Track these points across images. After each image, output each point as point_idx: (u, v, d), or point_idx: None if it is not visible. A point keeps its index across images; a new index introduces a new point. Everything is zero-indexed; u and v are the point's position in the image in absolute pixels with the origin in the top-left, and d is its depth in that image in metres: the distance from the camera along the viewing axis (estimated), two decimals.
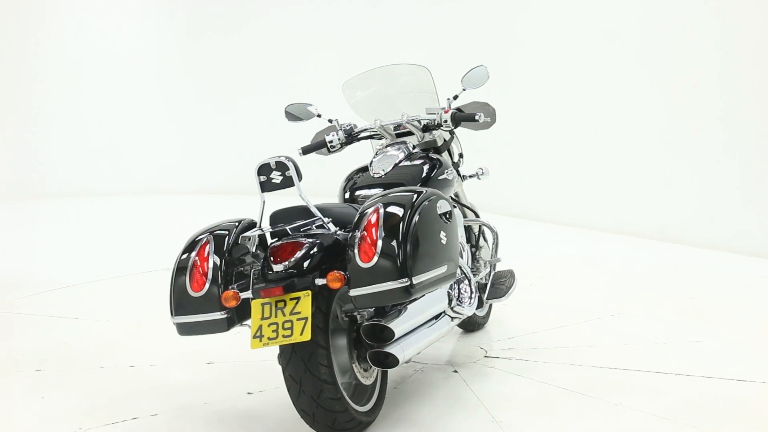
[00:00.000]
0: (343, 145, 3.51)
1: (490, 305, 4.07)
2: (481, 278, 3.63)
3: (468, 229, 3.73)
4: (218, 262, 2.67)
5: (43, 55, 11.15)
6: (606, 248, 6.53)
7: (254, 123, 11.02)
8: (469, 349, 3.69)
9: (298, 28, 10.72)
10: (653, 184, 6.95)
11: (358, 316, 2.73)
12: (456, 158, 3.70)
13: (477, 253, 3.78)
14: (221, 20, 11.32)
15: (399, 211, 2.61)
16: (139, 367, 3.62)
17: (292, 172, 2.63)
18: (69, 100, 11.20)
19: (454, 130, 3.63)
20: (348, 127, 3.50)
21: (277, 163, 2.66)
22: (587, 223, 7.46)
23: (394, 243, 2.53)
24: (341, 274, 2.53)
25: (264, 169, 2.68)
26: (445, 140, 3.59)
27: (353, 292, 2.53)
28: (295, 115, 3.58)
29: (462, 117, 3.39)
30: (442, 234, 2.73)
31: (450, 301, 3.03)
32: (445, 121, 3.42)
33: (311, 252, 2.60)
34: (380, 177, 3.27)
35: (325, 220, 2.68)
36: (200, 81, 11.48)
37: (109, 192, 10.98)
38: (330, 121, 3.53)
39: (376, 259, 2.52)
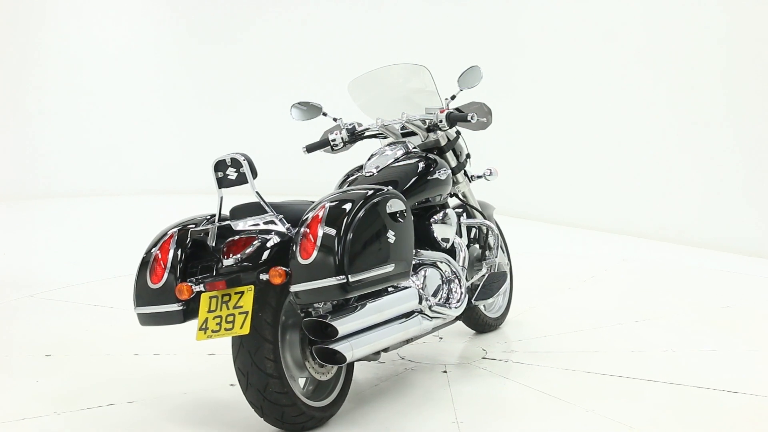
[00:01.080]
0: (346, 144, 3.53)
1: (507, 306, 4.06)
2: (477, 280, 3.62)
3: (470, 230, 3.73)
4: (179, 256, 2.75)
5: (44, 56, 11.14)
6: (641, 251, 6.33)
7: (254, 123, 11.02)
8: (470, 350, 3.70)
9: (298, 29, 10.72)
10: (662, 184, 6.94)
11: (313, 312, 2.75)
12: (462, 159, 3.70)
13: (488, 255, 3.78)
14: (222, 21, 11.31)
15: (342, 209, 2.66)
16: (142, 356, 3.73)
17: (245, 169, 2.67)
18: (69, 100, 11.19)
19: (460, 131, 3.64)
20: (351, 127, 3.53)
21: (231, 159, 2.70)
22: (590, 224, 7.45)
23: (332, 240, 2.58)
24: (283, 269, 2.58)
25: (220, 166, 2.73)
26: (449, 140, 3.59)
27: (293, 288, 2.58)
28: (301, 113, 3.60)
29: (456, 117, 3.41)
30: (390, 233, 2.75)
31: (421, 299, 3.02)
32: (441, 121, 3.44)
33: (258, 248, 2.67)
34: (371, 176, 3.32)
35: (278, 216, 2.71)
36: (201, 81, 11.48)
37: (109, 192, 10.97)
38: (335, 119, 3.55)
39: (314, 255, 2.57)
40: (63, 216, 9.37)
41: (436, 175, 3.39)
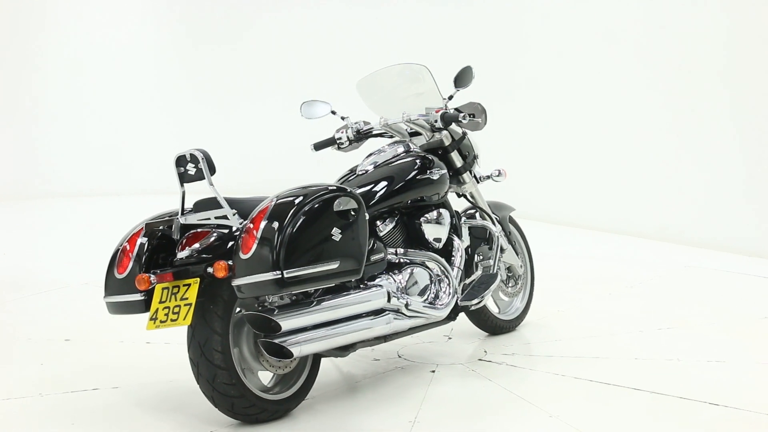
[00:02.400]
0: (352, 142, 3.57)
1: (525, 309, 4.01)
2: (472, 281, 3.61)
3: (472, 231, 3.71)
4: (144, 247, 2.84)
5: (44, 56, 11.15)
6: (701, 260, 6.00)
7: (254, 123, 11.02)
8: (471, 351, 3.69)
9: (297, 30, 10.72)
10: (662, 184, 6.94)
11: (268, 305, 2.79)
12: (470, 159, 3.69)
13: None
14: (221, 22, 11.32)
15: (287, 205, 2.70)
16: (153, 344, 3.87)
17: (202, 165, 2.73)
18: (69, 101, 11.20)
19: (467, 131, 3.64)
20: (356, 126, 3.56)
21: (190, 155, 2.77)
22: (590, 224, 7.45)
23: (270, 236, 2.62)
24: (226, 263, 2.64)
25: (181, 161, 2.80)
26: (454, 140, 3.60)
27: (234, 282, 2.63)
28: (310, 111, 3.63)
29: (450, 117, 3.44)
30: (336, 231, 2.76)
31: (389, 297, 3.02)
32: (436, 121, 3.46)
33: (208, 242, 2.76)
34: (363, 174, 3.37)
35: (231, 211, 2.74)
36: (200, 81, 11.48)
37: (109, 192, 10.97)
38: (342, 118, 3.58)
39: (253, 250, 2.61)
40: (63, 216, 9.37)
41: (427, 175, 3.40)
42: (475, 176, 3.74)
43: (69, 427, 2.89)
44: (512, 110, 7.89)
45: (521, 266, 3.97)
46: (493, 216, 3.77)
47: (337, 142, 3.56)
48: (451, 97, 3.52)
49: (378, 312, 3.01)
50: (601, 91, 7.43)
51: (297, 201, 2.72)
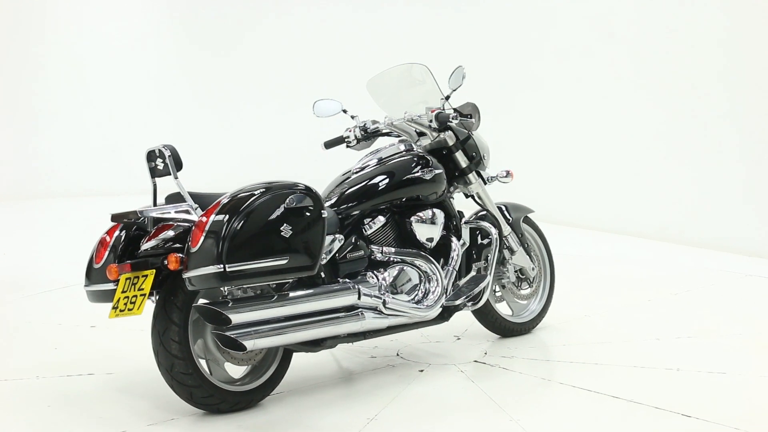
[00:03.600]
0: (360, 141, 3.61)
1: (541, 312, 3.96)
2: (464, 282, 3.60)
3: (471, 232, 3.69)
4: (120, 238, 2.94)
5: (44, 56, 11.15)
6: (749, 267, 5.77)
7: (253, 124, 11.02)
8: (472, 352, 3.67)
9: (298, 32, 10.72)
10: (662, 184, 6.94)
11: (224, 297, 2.87)
12: (476, 160, 3.67)
13: (509, 258, 3.76)
14: (221, 24, 11.33)
15: (238, 201, 2.76)
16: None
17: (167, 160, 2.83)
18: (69, 101, 11.20)
19: (472, 132, 3.64)
20: (363, 125, 3.60)
21: (159, 150, 2.86)
22: (590, 224, 7.45)
23: (216, 230, 2.68)
24: (178, 256, 2.71)
25: (151, 156, 2.90)
26: (458, 139, 3.60)
27: (184, 274, 2.70)
28: (322, 109, 3.67)
29: (444, 117, 3.46)
30: (286, 227, 2.79)
31: (360, 295, 3.04)
32: (431, 121, 3.48)
33: (169, 235, 2.84)
34: (357, 173, 3.42)
35: (194, 206, 2.83)
36: (200, 82, 11.49)
37: (109, 192, 10.97)
38: (352, 117, 3.63)
39: (200, 243, 2.67)
40: (63, 216, 9.36)
41: (418, 174, 3.42)
42: (482, 177, 3.72)
43: (44, 409, 3.04)
44: (512, 111, 7.89)
45: (533, 268, 3.89)
46: (499, 217, 3.74)
47: (346, 140, 3.61)
48: (447, 98, 3.53)
49: (350, 309, 3.03)
50: (601, 92, 7.43)
51: (249, 196, 2.78)
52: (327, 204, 3.32)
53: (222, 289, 2.86)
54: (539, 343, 3.81)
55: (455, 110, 3.52)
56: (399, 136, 3.64)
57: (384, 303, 3.13)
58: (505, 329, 3.84)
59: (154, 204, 2.94)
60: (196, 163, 11.56)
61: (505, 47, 8.18)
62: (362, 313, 3.05)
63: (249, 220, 2.73)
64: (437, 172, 3.48)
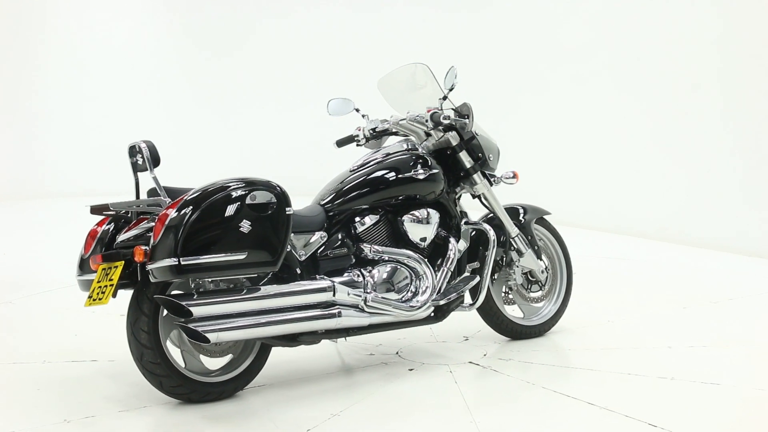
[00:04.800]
0: (369, 140, 3.64)
1: (555, 315, 3.91)
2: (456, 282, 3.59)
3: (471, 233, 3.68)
4: (108, 231, 3.04)
5: (44, 56, 11.15)
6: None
7: (254, 124, 11.02)
8: (472, 353, 3.67)
9: (298, 32, 10.72)
10: (663, 184, 6.93)
11: (191, 290, 2.95)
12: (481, 161, 3.66)
13: (517, 260, 3.73)
14: (221, 25, 11.34)
15: (200, 196, 2.85)
16: None
17: (145, 156, 2.96)
18: (69, 101, 11.20)
19: (477, 132, 3.64)
20: (373, 124, 3.63)
21: (138, 146, 2.99)
22: (589, 224, 7.45)
23: (174, 224, 2.76)
24: (142, 249, 2.79)
25: (132, 152, 3.02)
26: (462, 140, 3.60)
27: (147, 266, 2.79)
28: (336, 108, 3.71)
29: (437, 116, 3.49)
30: (245, 223, 2.85)
31: (335, 292, 3.06)
32: (427, 120, 3.51)
33: (140, 227, 2.94)
34: (353, 170, 3.47)
35: (166, 200, 2.92)
36: (200, 82, 11.48)
37: (109, 192, 10.94)
38: (363, 116, 3.66)
39: (159, 237, 2.76)
40: (63, 216, 9.35)
41: (410, 174, 3.43)
42: (488, 178, 3.70)
43: (34, 393, 3.21)
44: (516, 112, 7.89)
45: (543, 271, 3.83)
46: (506, 219, 3.71)
47: (356, 139, 3.65)
48: (445, 98, 3.53)
49: (328, 306, 3.06)
50: (602, 92, 7.42)
51: (211, 192, 2.86)
52: (321, 202, 3.38)
53: (190, 281, 2.94)
54: (544, 347, 3.77)
55: (455, 110, 3.53)
56: (406, 136, 3.65)
57: (365, 301, 3.15)
58: (513, 331, 3.81)
59: (137, 197, 3.05)
60: (196, 163, 11.61)
61: (509, 48, 8.18)
62: (339, 311, 3.08)
63: (207, 214, 2.80)
64: (431, 171, 3.49)
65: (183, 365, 3.00)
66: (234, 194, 2.87)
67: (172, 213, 2.79)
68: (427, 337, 3.89)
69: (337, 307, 3.08)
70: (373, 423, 2.88)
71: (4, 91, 10.94)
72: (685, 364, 3.52)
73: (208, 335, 2.77)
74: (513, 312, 3.86)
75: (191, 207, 2.80)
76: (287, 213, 2.95)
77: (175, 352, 3.01)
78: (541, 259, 3.83)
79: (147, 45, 11.69)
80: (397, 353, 3.66)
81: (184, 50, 11.65)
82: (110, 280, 2.85)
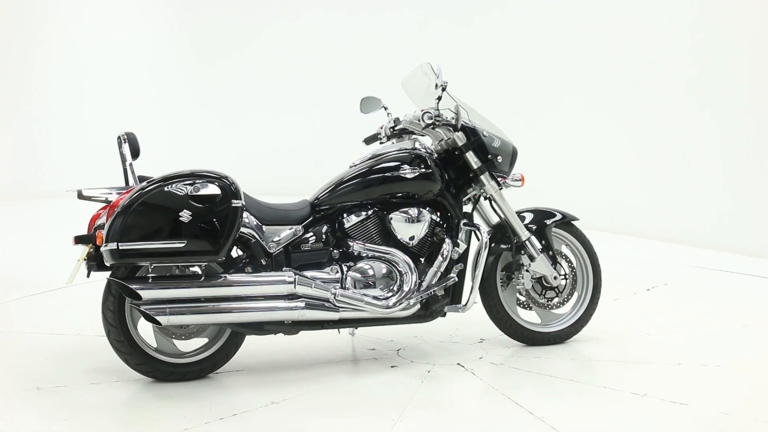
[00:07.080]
0: (390, 137, 3.68)
1: (580, 320, 3.80)
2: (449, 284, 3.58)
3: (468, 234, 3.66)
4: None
5: (45, 57, 11.15)
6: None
7: (253, 124, 11.03)
8: (471, 354, 3.65)
9: (297, 33, 10.71)
10: (662, 184, 6.92)
11: (147, 274, 3.10)
12: (489, 162, 3.63)
13: (527, 265, 3.66)
14: (221, 24, 11.32)
15: (148, 186, 3.03)
16: None
17: (125, 147, 3.24)
18: (69, 101, 11.20)
19: (483, 133, 3.64)
20: (391, 123, 3.67)
21: (120, 138, 3.24)
22: (590, 224, 7.42)
23: (120, 210, 2.96)
24: (102, 233, 2.99)
25: (119, 142, 3.27)
26: (469, 140, 3.59)
27: (101, 249, 2.99)
28: (366, 106, 3.78)
29: (428, 117, 3.51)
30: (185, 212, 2.98)
31: (294, 284, 3.13)
32: (419, 120, 3.54)
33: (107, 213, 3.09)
34: (352, 168, 3.54)
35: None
36: (200, 83, 11.49)
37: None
38: (388, 114, 3.72)
39: (108, 222, 2.97)
40: (63, 216, 9.34)
41: (397, 173, 3.45)
42: (496, 179, 3.65)
43: (12, 360, 3.51)
44: (513, 111, 7.88)
45: (557, 277, 3.71)
46: (516, 222, 3.66)
47: (378, 137, 3.71)
48: (439, 98, 3.54)
49: (290, 297, 3.14)
50: (602, 92, 7.42)
51: (158, 182, 3.03)
52: (312, 197, 3.46)
53: (150, 266, 3.07)
54: (539, 354, 3.65)
55: (455, 111, 3.53)
56: (424, 134, 3.66)
57: (335, 296, 3.21)
58: (525, 337, 3.73)
59: (126, 184, 3.25)
60: (195, 163, 11.56)
61: (505, 52, 8.18)
62: (304, 304, 3.14)
63: (150, 203, 2.97)
64: (422, 171, 3.48)
65: (156, 345, 3.18)
66: (179, 185, 3.02)
67: (122, 200, 2.98)
68: (444, 337, 3.87)
69: (301, 299, 3.15)
70: (303, 415, 2.92)
71: (4, 91, 10.93)
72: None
73: (158, 317, 2.97)
74: (529, 317, 3.78)
75: (137, 195, 2.99)
76: (233, 206, 3.06)
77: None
78: (557, 265, 3.73)
79: (147, 46, 11.69)
80: (398, 352, 3.65)
81: (184, 51, 11.66)
82: (79, 261, 3.06)
